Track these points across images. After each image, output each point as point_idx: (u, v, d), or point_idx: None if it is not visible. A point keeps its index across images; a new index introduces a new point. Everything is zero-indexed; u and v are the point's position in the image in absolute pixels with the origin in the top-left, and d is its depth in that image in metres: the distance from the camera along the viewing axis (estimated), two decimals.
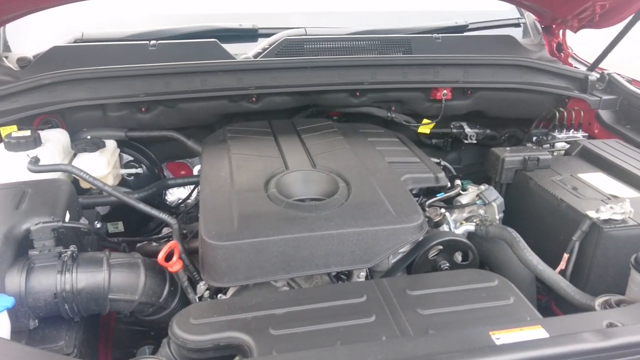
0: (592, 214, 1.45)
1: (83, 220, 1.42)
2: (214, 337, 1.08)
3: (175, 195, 2.25)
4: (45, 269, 1.24)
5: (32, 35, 2.21)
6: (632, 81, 2.27)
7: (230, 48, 2.14)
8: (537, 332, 1.03)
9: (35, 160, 1.57)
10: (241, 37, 2.29)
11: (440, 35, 2.27)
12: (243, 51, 2.17)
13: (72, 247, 1.28)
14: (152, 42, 2.05)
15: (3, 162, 1.62)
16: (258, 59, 2.08)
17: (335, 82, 2.03)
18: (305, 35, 2.22)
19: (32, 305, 1.21)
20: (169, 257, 1.31)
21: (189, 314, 1.14)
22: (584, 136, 2.18)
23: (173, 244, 1.31)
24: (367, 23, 2.37)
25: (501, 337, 1.01)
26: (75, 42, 2.14)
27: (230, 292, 1.35)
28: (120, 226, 2.08)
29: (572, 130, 2.19)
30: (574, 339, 0.96)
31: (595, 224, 1.44)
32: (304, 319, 1.12)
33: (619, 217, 1.44)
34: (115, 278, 1.28)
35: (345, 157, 1.64)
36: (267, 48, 2.13)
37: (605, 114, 2.19)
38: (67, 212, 1.39)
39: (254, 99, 2.04)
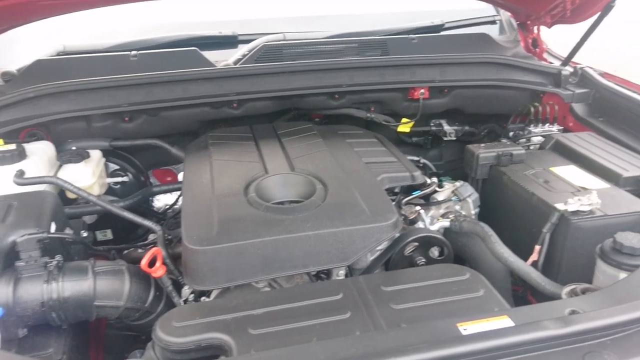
0: (560, 206, 1.51)
1: (68, 230, 1.46)
2: (195, 339, 1.12)
3: (162, 201, 2.29)
4: (32, 279, 1.28)
5: (15, 49, 2.24)
6: (604, 74, 2.33)
7: (211, 55, 2.18)
8: (503, 322, 1.08)
9: (20, 174, 1.61)
10: (221, 44, 2.33)
11: (416, 35, 2.32)
12: (224, 58, 2.22)
13: (58, 257, 1.32)
14: (133, 52, 2.09)
15: None
16: (237, 65, 2.12)
17: (313, 85, 2.08)
18: (284, 40, 2.26)
19: (21, 314, 1.25)
20: (152, 263, 1.36)
21: (171, 317, 1.19)
22: (559, 129, 2.24)
23: (156, 250, 1.35)
24: (345, 26, 2.41)
25: (468, 328, 1.06)
26: (57, 54, 2.17)
27: (213, 295, 1.40)
28: (109, 234, 2.12)
29: (548, 124, 2.26)
30: (535, 327, 1.02)
31: (563, 215, 1.50)
32: (282, 318, 1.17)
33: (586, 208, 1.49)
34: (100, 285, 1.32)
35: (323, 160, 1.69)
36: (247, 54, 2.17)
37: (578, 107, 2.25)
38: (53, 223, 1.43)
39: (235, 104, 2.08)
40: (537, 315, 1.08)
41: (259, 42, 2.22)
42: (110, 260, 1.52)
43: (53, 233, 1.35)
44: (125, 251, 1.78)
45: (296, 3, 2.47)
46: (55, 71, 2.02)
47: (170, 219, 1.98)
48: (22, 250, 1.29)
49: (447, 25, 2.61)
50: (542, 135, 2.16)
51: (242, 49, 2.23)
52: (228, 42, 2.34)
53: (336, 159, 1.70)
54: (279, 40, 2.25)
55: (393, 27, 2.45)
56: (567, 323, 1.02)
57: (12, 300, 1.24)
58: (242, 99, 2.07)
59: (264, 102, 2.12)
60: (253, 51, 2.16)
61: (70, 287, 1.29)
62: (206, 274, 1.30)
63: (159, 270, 1.36)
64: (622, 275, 1.28)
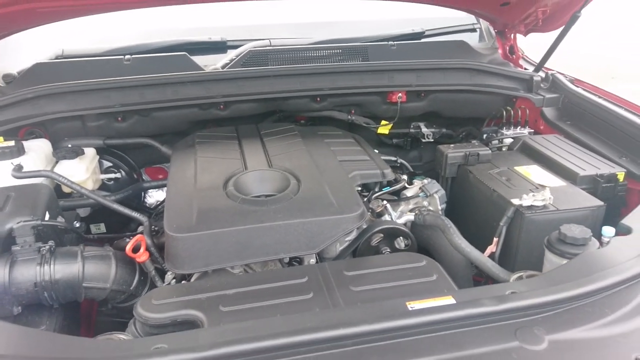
0: (515, 201, 1.63)
1: (60, 219, 1.59)
2: (171, 315, 1.25)
3: (154, 197, 2.43)
4: (26, 262, 1.40)
5: (16, 53, 2.38)
6: (574, 80, 2.45)
7: (202, 60, 2.32)
8: (447, 301, 1.20)
9: (18, 168, 1.74)
10: (211, 49, 2.46)
11: (395, 42, 2.45)
12: (213, 62, 2.35)
13: (51, 243, 1.45)
14: (127, 56, 2.22)
15: None
16: (224, 69, 2.25)
17: (296, 88, 2.21)
18: (270, 46, 2.40)
19: (15, 293, 1.38)
20: (137, 250, 1.48)
21: (151, 297, 1.31)
22: (530, 132, 2.36)
23: (139, 237, 1.48)
24: (329, 33, 2.55)
25: (415, 306, 1.18)
26: (56, 58, 2.31)
27: (193, 279, 1.52)
28: (102, 227, 2.25)
29: (520, 127, 2.38)
30: (472, 305, 1.14)
31: (518, 210, 1.62)
32: (251, 298, 1.29)
33: (539, 203, 1.61)
34: (88, 268, 1.45)
35: (300, 157, 1.82)
36: (234, 59, 2.30)
37: (549, 111, 2.36)
38: (47, 212, 1.55)
39: (222, 106, 2.21)
40: (479, 296, 1.20)
41: (245, 47, 2.35)
42: (95, 247, 1.64)
43: (46, 221, 1.48)
44: (115, 241, 1.90)
45: (283, 11, 2.60)
46: (53, 73, 2.15)
47: (156, 212, 2.11)
48: (18, 236, 1.42)
49: (427, 33, 2.74)
50: (513, 138, 2.28)
51: (231, 54, 2.37)
52: (217, 47, 2.47)
53: (312, 157, 1.83)
54: (265, 46, 2.38)
55: (375, 34, 2.58)
56: (501, 301, 1.14)
57: (8, 280, 1.37)
58: (228, 101, 2.20)
59: (249, 104, 2.25)
60: (240, 56, 2.30)
61: (61, 269, 1.42)
62: (185, 259, 1.42)
63: (142, 256, 1.48)
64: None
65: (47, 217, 1.54)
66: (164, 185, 2.21)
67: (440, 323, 1.11)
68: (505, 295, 1.17)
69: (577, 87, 2.36)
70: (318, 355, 1.04)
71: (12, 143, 1.85)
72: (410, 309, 1.16)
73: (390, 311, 1.15)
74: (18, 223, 1.43)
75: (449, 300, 1.20)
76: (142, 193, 2.37)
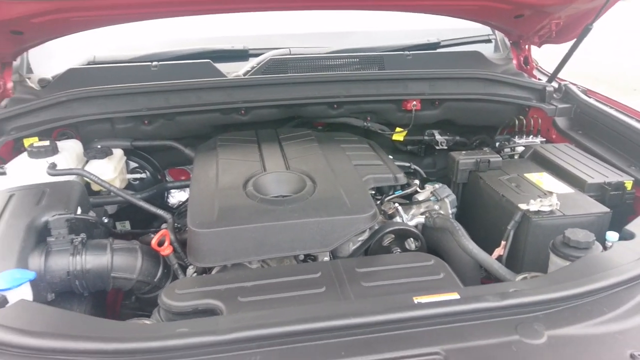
0: (523, 206, 1.69)
1: (91, 214, 1.69)
2: (193, 304, 1.33)
3: (176, 198, 2.53)
4: (60, 252, 1.51)
5: (50, 59, 2.52)
6: (587, 91, 2.50)
7: (224, 67, 2.43)
8: (453, 297, 1.27)
9: (53, 166, 1.86)
10: (233, 57, 2.57)
11: (411, 52, 2.53)
12: (235, 69, 2.46)
13: (82, 235, 1.55)
14: (154, 63, 2.34)
15: (26, 167, 1.90)
16: (246, 76, 2.36)
17: (314, 95, 2.30)
18: (289, 54, 2.50)
19: (50, 281, 1.48)
20: (161, 244, 1.58)
21: (175, 287, 1.40)
22: (542, 141, 2.41)
23: (164, 231, 1.58)
24: (346, 43, 2.64)
25: (422, 300, 1.25)
26: (88, 64, 2.45)
27: (213, 273, 1.61)
28: (127, 225, 2.35)
29: (532, 135, 2.43)
30: (476, 300, 1.20)
31: (525, 214, 1.68)
32: (267, 290, 1.37)
33: (546, 209, 1.67)
34: (117, 260, 1.55)
35: (316, 160, 1.90)
36: (255, 67, 2.41)
37: (561, 121, 2.41)
38: (79, 207, 1.66)
39: (243, 111, 2.31)
40: (483, 292, 1.27)
41: (266, 55, 2.46)
42: (124, 240, 1.74)
43: (79, 215, 1.59)
44: (141, 237, 2.00)
45: (302, 21, 2.70)
46: (85, 78, 2.28)
47: (179, 211, 2.21)
48: (53, 228, 1.53)
49: (443, 43, 2.81)
50: (524, 146, 2.34)
51: (252, 62, 2.48)
52: (239, 55, 2.58)
53: (328, 160, 1.91)
54: (285, 55, 2.48)
55: (391, 44, 2.66)
56: (503, 297, 1.20)
57: (44, 268, 1.47)
58: (249, 107, 2.30)
59: (269, 110, 2.34)
60: (261, 64, 2.40)
61: (91, 260, 1.52)
62: (206, 253, 1.51)
63: (166, 249, 1.58)
64: None
65: (79, 211, 1.65)
66: (186, 186, 2.32)
67: (444, 316, 1.17)
68: (508, 292, 1.24)
69: (590, 97, 2.40)
70: (330, 343, 1.12)
71: (47, 143, 1.97)
72: (416, 302, 1.23)
73: (398, 304, 1.22)
74: (53, 216, 1.54)
75: (454, 296, 1.27)
76: (165, 193, 2.47)
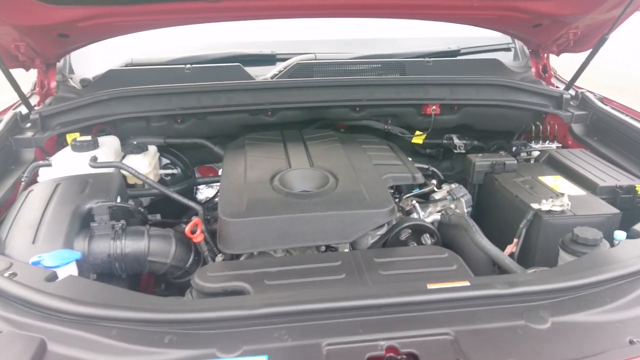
0: (535, 205, 1.77)
1: (130, 202, 1.83)
2: (223, 285, 1.45)
3: (204, 194, 2.67)
4: (102, 237, 1.65)
5: (90, 60, 2.69)
6: (603, 99, 2.56)
7: (253, 70, 2.56)
8: (463, 284, 1.36)
9: (94, 159, 2.01)
10: (261, 61, 2.71)
11: (431, 59, 2.63)
12: (263, 73, 2.60)
13: (122, 221, 1.69)
14: (187, 65, 2.49)
15: (69, 159, 2.06)
16: (273, 79, 2.49)
17: (337, 98, 2.42)
18: (315, 59, 2.62)
19: (92, 262, 1.62)
20: (193, 232, 1.71)
21: (206, 270, 1.52)
22: (558, 147, 2.48)
23: (197, 220, 1.71)
24: (370, 49, 2.75)
25: (434, 287, 1.34)
26: (126, 65, 2.60)
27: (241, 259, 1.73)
28: (158, 217, 2.49)
29: (548, 141, 2.50)
30: (484, 287, 1.30)
31: (537, 213, 1.76)
32: (291, 275, 1.48)
33: (558, 208, 1.75)
34: (153, 245, 1.68)
35: (338, 159, 2.01)
36: (282, 70, 2.54)
37: (577, 128, 2.48)
38: (118, 197, 1.80)
39: (269, 113, 2.44)
40: (492, 281, 1.36)
41: (293, 60, 2.58)
42: (159, 228, 1.87)
43: (119, 203, 1.73)
44: (173, 227, 2.14)
45: (328, 28, 2.82)
46: (123, 79, 2.44)
47: (208, 204, 2.34)
48: (96, 214, 1.67)
49: (463, 51, 2.91)
50: (540, 151, 2.41)
51: (279, 66, 2.61)
52: (267, 59, 2.72)
53: (349, 159, 2.02)
54: (311, 59, 2.61)
55: (412, 51, 2.77)
56: (511, 285, 1.29)
57: (87, 251, 1.61)
58: (276, 108, 2.42)
59: (294, 112, 2.47)
60: (288, 68, 2.53)
61: (130, 244, 1.65)
62: (235, 241, 1.63)
63: (198, 237, 1.70)
64: None
65: (118, 200, 1.79)
66: (215, 182, 2.45)
67: (455, 301, 1.27)
68: (516, 281, 1.32)
69: (606, 105, 2.47)
70: (348, 321, 1.22)
71: (89, 138, 2.12)
72: (429, 288, 1.33)
73: (411, 289, 1.32)
74: (97, 203, 1.68)
75: (465, 284, 1.36)
76: (194, 189, 2.61)
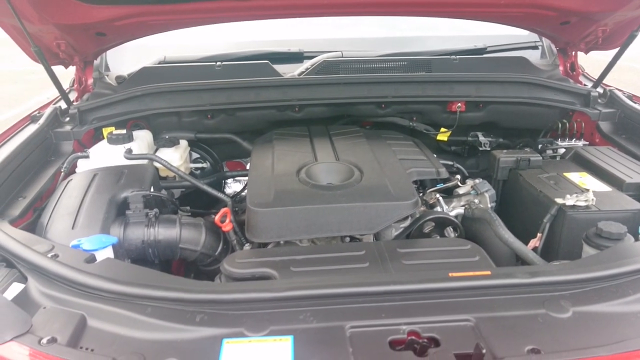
0: (559, 200, 1.78)
1: (163, 192, 1.91)
2: (251, 271, 1.51)
3: (232, 188, 2.75)
4: (136, 224, 1.73)
5: (124, 58, 2.80)
6: (633, 97, 2.54)
7: (281, 68, 2.63)
8: (485, 274, 1.39)
9: (129, 151, 2.10)
10: (289, 59, 2.77)
11: (457, 57, 2.64)
12: (290, 70, 2.66)
13: (155, 210, 1.77)
14: (218, 63, 2.57)
15: (106, 152, 2.15)
16: (301, 76, 2.55)
17: (363, 95, 2.46)
18: (342, 57, 2.67)
19: (127, 248, 1.70)
20: (222, 221, 1.78)
21: (235, 256, 1.58)
22: (585, 144, 2.47)
23: (226, 209, 1.77)
24: (396, 47, 2.79)
25: (456, 276, 1.37)
26: (159, 63, 2.70)
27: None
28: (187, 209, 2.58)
29: (575, 139, 2.49)
30: (506, 276, 1.32)
31: (561, 208, 1.76)
32: (316, 263, 1.53)
33: (582, 204, 1.75)
34: (184, 233, 1.75)
35: (363, 153, 2.05)
36: (309, 68, 2.59)
37: (605, 125, 2.47)
38: (152, 186, 1.88)
39: (296, 109, 2.50)
40: (514, 271, 1.38)
41: (320, 57, 2.64)
42: (190, 217, 1.95)
43: (153, 192, 1.81)
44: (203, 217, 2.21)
45: (354, 27, 2.87)
46: (156, 76, 2.53)
47: (236, 196, 2.41)
48: (131, 202, 1.75)
49: (490, 49, 2.91)
50: (566, 148, 2.40)
51: (306, 64, 2.66)
52: (295, 57, 2.78)
53: (374, 154, 2.06)
54: (338, 57, 2.66)
55: (438, 49, 2.79)
56: (533, 275, 1.31)
57: (122, 237, 1.69)
58: (303, 104, 2.48)
59: (320, 108, 2.52)
60: (315, 65, 2.59)
61: (163, 232, 1.73)
62: (263, 230, 1.68)
63: (227, 226, 1.77)
64: None
65: (151, 190, 1.87)
66: (243, 176, 2.52)
67: (476, 289, 1.30)
68: (537, 271, 1.34)
69: (635, 103, 2.45)
70: (371, 306, 1.26)
71: (124, 131, 2.22)
72: (451, 276, 1.36)
73: (433, 276, 1.35)
74: (132, 192, 1.76)
75: (487, 274, 1.39)
76: (223, 183, 2.69)
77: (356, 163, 1.96)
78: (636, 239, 1.61)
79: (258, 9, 2.22)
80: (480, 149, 2.68)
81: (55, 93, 2.40)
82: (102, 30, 2.30)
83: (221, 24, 2.50)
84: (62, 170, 2.03)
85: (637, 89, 2.59)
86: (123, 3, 2.11)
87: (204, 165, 2.57)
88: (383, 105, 2.54)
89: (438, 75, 2.53)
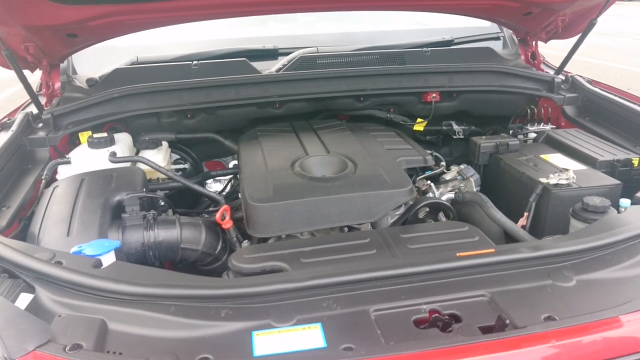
0: (543, 180, 1.88)
1: (159, 193, 1.88)
2: (261, 265, 1.51)
3: (213, 188, 2.71)
4: (135, 227, 1.69)
5: (95, 60, 2.71)
6: (592, 82, 2.71)
7: (257, 65, 2.62)
8: (492, 251, 1.46)
9: (113, 154, 2.04)
10: (264, 56, 2.77)
11: (429, 49, 2.73)
12: (266, 67, 2.65)
13: (153, 211, 1.74)
14: (194, 62, 2.54)
15: (87, 156, 2.09)
16: (280, 72, 2.55)
17: (342, 89, 2.49)
18: (317, 52, 2.69)
19: (127, 252, 1.66)
20: (222, 219, 1.77)
21: (242, 252, 1.58)
22: (552, 128, 2.61)
23: (225, 207, 1.76)
24: (369, 41, 2.84)
25: (467, 254, 1.43)
26: (131, 64, 2.63)
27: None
28: (170, 213, 2.53)
29: (542, 123, 2.63)
30: (511, 252, 1.39)
31: (545, 187, 1.87)
32: (325, 253, 1.55)
33: (564, 182, 1.86)
34: (185, 233, 1.73)
35: (352, 146, 2.09)
36: (287, 64, 2.60)
37: (569, 109, 2.62)
38: (144, 189, 1.85)
39: (277, 105, 2.51)
40: (517, 247, 1.45)
41: (297, 53, 2.65)
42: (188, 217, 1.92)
43: (149, 193, 1.77)
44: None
45: (328, 22, 2.90)
46: (130, 77, 2.46)
47: (226, 196, 2.39)
48: (127, 205, 1.71)
49: (456, 41, 3.02)
50: (536, 132, 2.53)
51: (282, 60, 2.67)
52: (270, 54, 2.78)
53: (363, 145, 2.10)
54: (314, 53, 2.68)
55: (410, 42, 2.86)
56: (536, 249, 1.39)
57: (121, 241, 1.65)
58: (283, 100, 2.49)
59: (300, 103, 2.54)
60: (292, 61, 2.60)
61: (163, 233, 1.70)
62: (265, 225, 1.69)
63: (227, 223, 1.76)
64: None
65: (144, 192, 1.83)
66: (226, 174, 2.50)
67: (486, 266, 1.36)
68: (539, 245, 1.43)
69: (595, 87, 2.61)
70: (391, 289, 1.30)
71: (105, 135, 2.15)
72: (460, 256, 1.42)
73: (444, 257, 1.41)
74: (128, 194, 1.72)
75: (491, 251, 1.46)
76: (204, 183, 2.66)
77: (347, 155, 1.99)
78: (618, 211, 1.73)
79: (236, 6, 2.21)
80: (454, 137, 2.77)
81: (4, 96, 2.29)
82: (74, 31, 2.22)
83: (191, 23, 2.46)
84: (43, 178, 1.95)
85: None
86: (98, 2, 2.05)
87: (185, 166, 2.54)
88: (362, 99, 2.59)
89: (413, 68, 2.60)
